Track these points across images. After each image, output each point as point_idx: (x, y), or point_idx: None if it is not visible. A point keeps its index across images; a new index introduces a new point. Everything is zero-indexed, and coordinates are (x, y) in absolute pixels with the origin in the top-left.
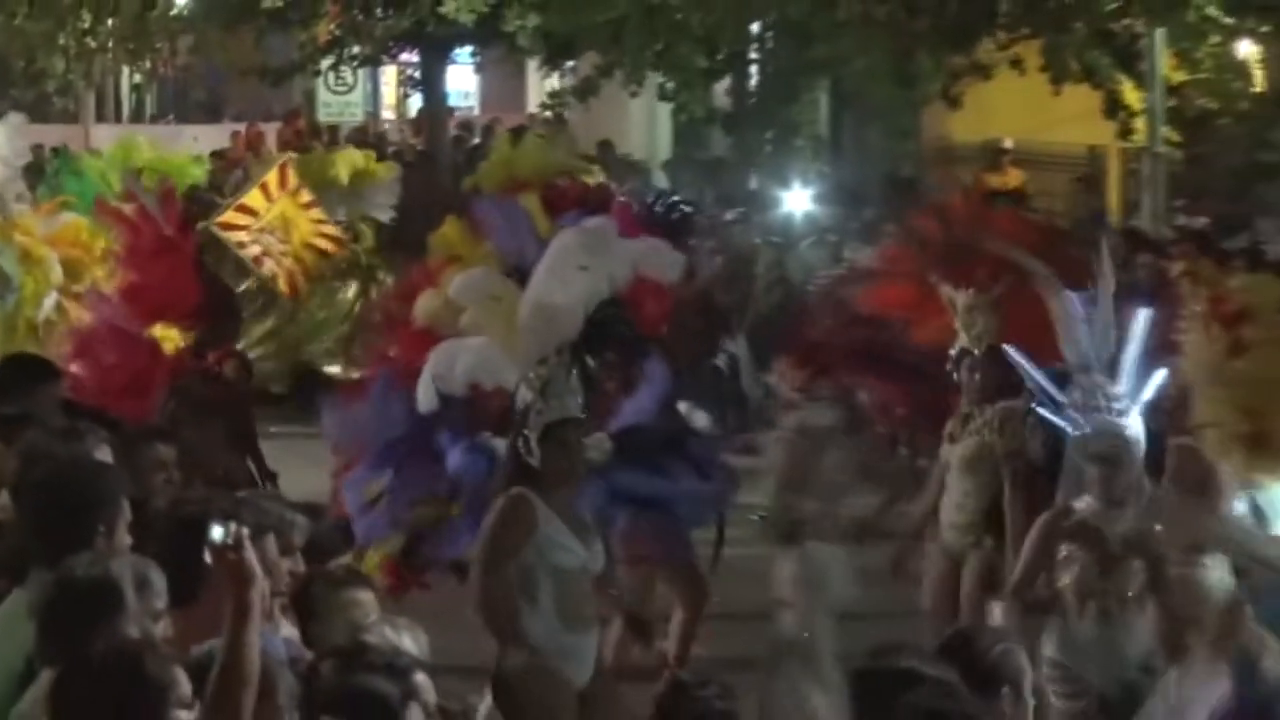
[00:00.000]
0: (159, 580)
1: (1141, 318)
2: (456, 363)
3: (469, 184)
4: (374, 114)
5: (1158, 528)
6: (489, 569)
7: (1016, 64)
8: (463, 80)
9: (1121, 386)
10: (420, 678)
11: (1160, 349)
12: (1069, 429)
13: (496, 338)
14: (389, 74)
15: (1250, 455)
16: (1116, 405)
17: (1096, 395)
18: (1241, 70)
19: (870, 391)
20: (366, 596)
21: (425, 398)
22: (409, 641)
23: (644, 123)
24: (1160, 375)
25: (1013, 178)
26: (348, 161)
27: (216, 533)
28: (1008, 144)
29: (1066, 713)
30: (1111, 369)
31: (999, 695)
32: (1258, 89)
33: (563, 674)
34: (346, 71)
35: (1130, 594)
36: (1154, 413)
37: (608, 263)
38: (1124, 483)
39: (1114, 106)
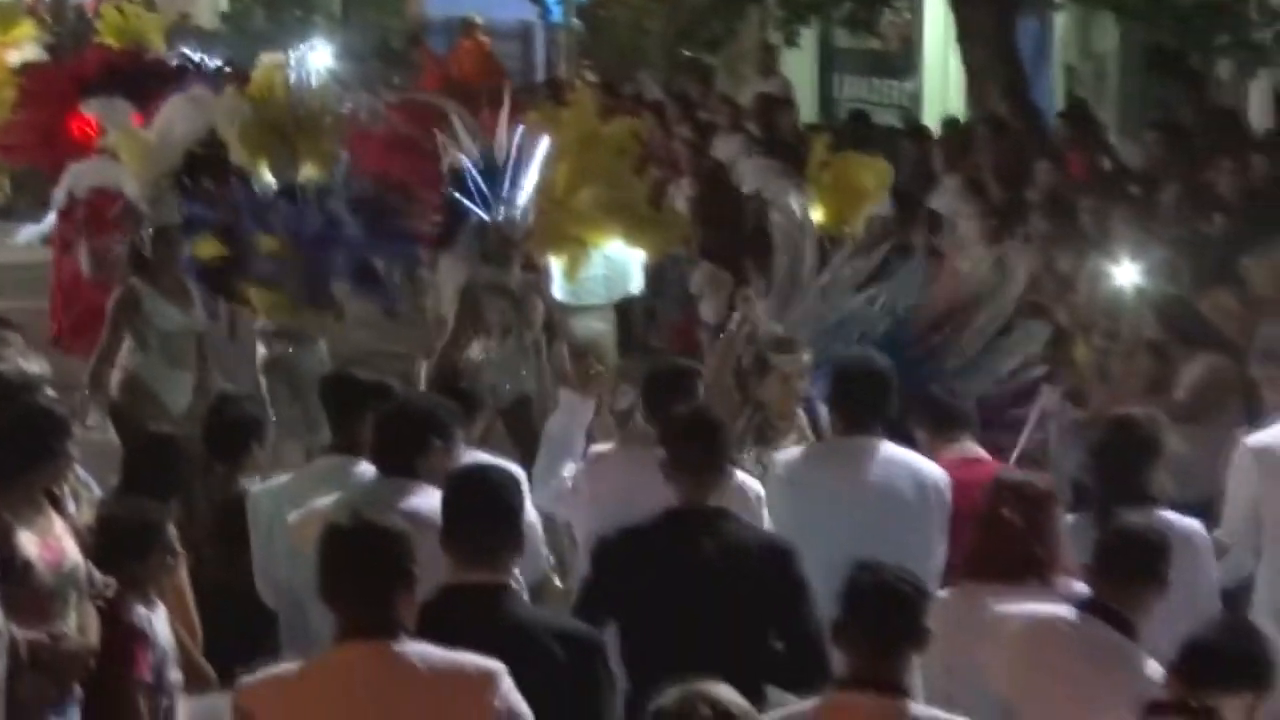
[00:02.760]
0: None
1: (541, 146)
2: (87, 176)
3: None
4: None
5: None
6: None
7: None
8: None
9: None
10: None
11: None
12: (484, 215)
13: (124, 157)
14: None
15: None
16: (513, 199)
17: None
18: None
19: None
20: (14, 336)
21: (56, 200)
22: (36, 367)
23: (208, 1)
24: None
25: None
26: None
27: None
28: (478, 19)
29: None
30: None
31: (478, 410)
32: None
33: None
34: None
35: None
36: None
37: (204, 116)
38: (510, 251)
39: None
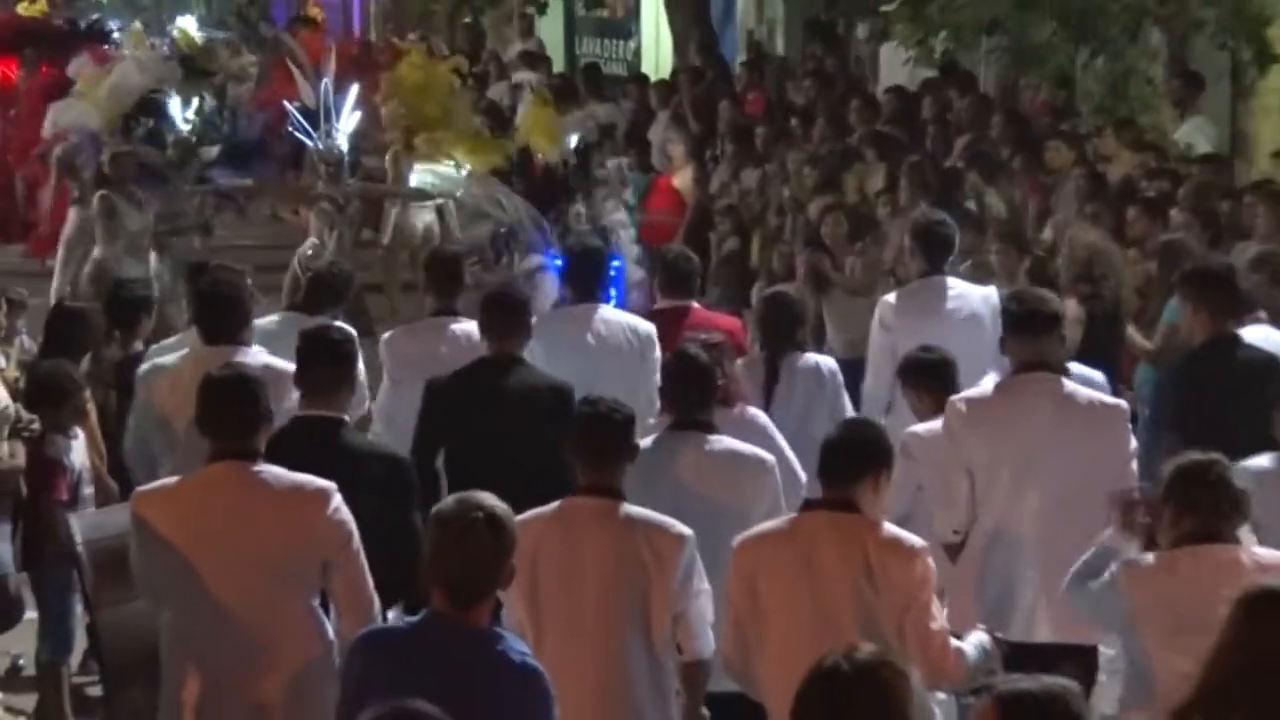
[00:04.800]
0: None
1: (352, 93)
2: (65, 114)
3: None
4: None
5: None
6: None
7: None
8: None
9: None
10: None
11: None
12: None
13: (91, 101)
14: None
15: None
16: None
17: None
18: None
19: None
20: None
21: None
22: None
23: None
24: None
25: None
26: None
27: None
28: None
29: None
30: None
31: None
32: None
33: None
34: None
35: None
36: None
37: (154, 70)
38: (332, 170)
39: None
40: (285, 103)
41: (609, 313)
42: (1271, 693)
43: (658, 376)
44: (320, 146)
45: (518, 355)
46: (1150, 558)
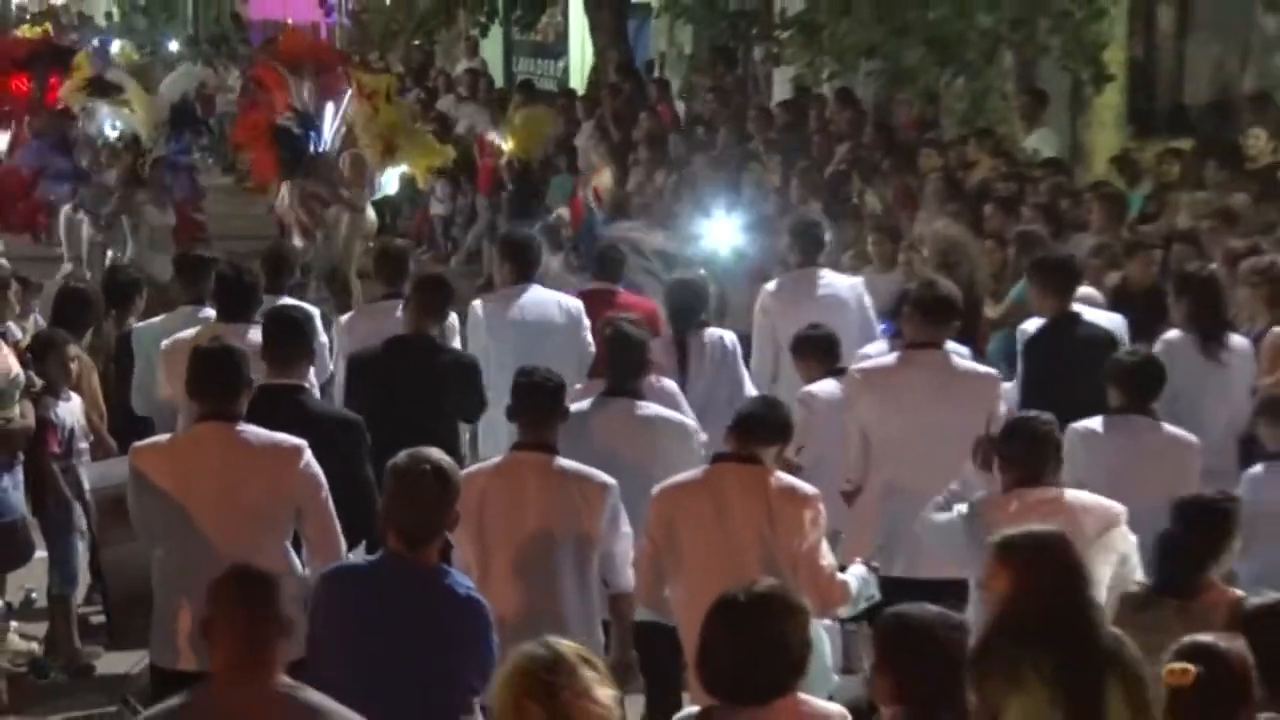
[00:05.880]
0: None
1: (343, 103)
2: (106, 120)
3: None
4: None
5: None
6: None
7: None
8: None
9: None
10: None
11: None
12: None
13: (135, 105)
14: None
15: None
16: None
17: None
18: None
19: None
20: None
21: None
22: None
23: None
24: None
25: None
26: None
27: None
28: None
29: None
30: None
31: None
32: None
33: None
34: None
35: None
36: None
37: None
38: (324, 173)
39: None
40: (289, 109)
41: (540, 292)
42: (1045, 622)
43: (591, 346)
44: (317, 151)
45: (432, 334)
46: (989, 498)
